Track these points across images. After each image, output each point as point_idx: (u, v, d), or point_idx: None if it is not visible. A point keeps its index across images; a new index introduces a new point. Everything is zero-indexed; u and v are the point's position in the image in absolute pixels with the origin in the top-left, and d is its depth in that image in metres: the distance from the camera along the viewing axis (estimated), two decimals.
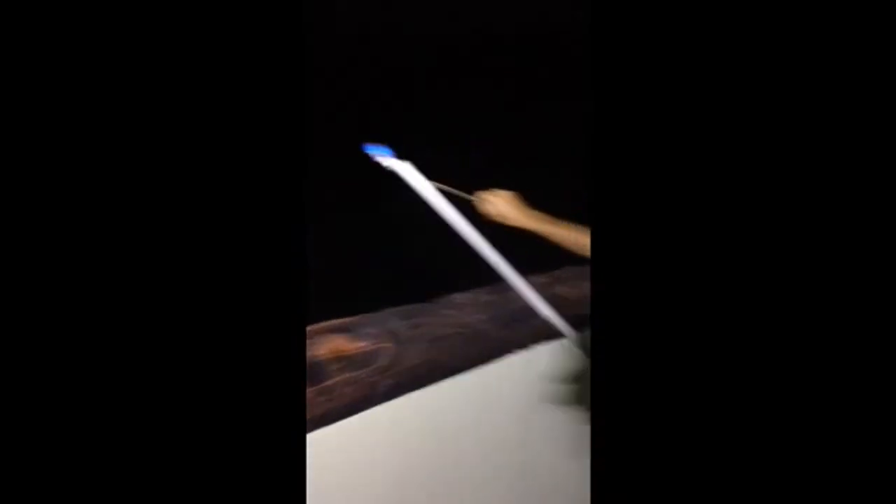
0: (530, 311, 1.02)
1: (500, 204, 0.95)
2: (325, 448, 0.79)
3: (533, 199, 0.95)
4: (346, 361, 0.90)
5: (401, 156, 0.87)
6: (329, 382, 0.85)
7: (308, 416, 0.77)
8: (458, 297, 1.09)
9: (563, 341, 1.08)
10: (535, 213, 0.96)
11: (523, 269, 0.96)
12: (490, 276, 1.05)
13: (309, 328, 0.96)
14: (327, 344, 0.94)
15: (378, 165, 0.86)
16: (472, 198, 0.96)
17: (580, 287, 1.19)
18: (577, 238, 0.96)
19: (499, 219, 0.96)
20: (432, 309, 1.07)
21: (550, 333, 1.12)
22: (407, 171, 0.88)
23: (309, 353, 0.90)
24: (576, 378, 1.09)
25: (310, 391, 0.81)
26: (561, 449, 1.12)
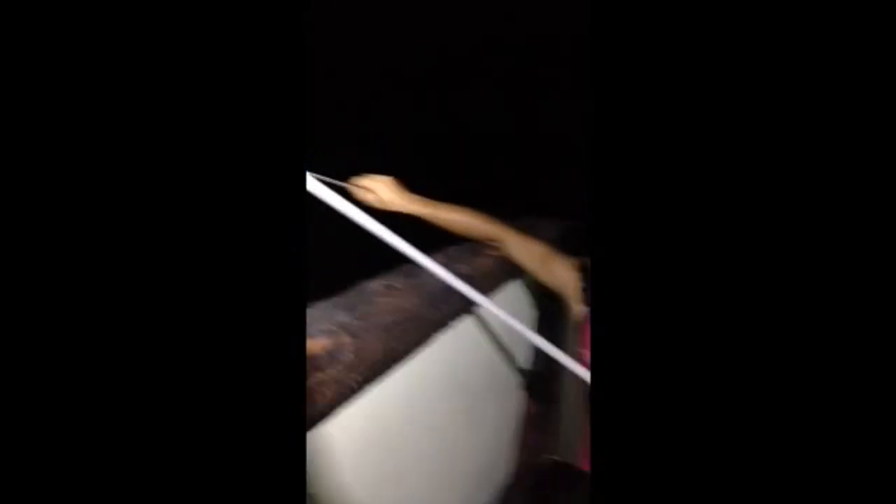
0: (448, 290, 1.02)
1: (381, 190, 0.97)
2: (314, 449, 0.82)
3: (532, 198, 0.95)
4: (312, 362, 0.89)
5: (394, 155, 0.89)
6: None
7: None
8: (373, 286, 1.12)
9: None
10: (415, 196, 0.97)
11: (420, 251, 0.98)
12: (386, 262, 1.07)
13: None
14: None
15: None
16: (350, 186, 0.98)
17: (475, 262, 1.19)
18: (458, 219, 0.97)
19: (380, 206, 0.97)
20: (365, 298, 1.09)
21: (467, 309, 1.13)
22: None
23: None
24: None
25: None
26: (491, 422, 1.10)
